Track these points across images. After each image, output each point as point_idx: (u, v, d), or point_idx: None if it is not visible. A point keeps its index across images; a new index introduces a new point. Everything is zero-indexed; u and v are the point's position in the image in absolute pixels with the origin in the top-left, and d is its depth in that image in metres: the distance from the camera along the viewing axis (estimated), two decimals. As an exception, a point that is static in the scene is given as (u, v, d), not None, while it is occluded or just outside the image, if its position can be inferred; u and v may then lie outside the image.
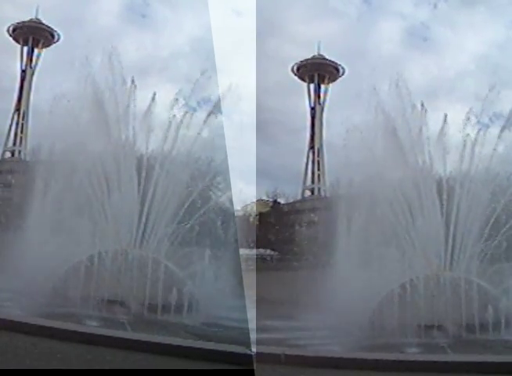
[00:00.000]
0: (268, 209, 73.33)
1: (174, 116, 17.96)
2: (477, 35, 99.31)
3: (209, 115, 18.13)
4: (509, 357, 10.86)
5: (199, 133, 17.85)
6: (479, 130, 17.22)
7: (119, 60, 17.95)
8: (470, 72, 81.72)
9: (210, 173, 18.46)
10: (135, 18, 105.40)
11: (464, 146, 16.88)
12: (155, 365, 7.97)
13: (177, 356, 8.52)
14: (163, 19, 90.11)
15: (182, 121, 17.92)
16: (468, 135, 16.98)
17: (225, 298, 16.01)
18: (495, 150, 16.87)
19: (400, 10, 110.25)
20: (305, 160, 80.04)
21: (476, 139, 16.98)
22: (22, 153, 71.66)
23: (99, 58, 18.10)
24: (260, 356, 8.55)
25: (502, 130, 17.03)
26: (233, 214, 20.14)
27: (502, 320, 13.94)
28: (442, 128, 17.42)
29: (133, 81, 18.12)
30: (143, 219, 16.66)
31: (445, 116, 17.69)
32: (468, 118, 17.00)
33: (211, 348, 9.14)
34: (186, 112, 18.14)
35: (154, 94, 18.49)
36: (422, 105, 17.70)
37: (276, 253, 59.77)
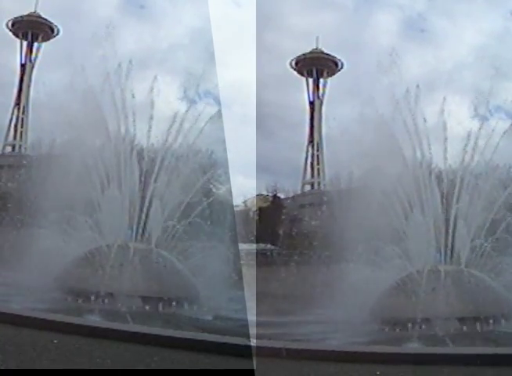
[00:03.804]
0: (267, 204, 73.26)
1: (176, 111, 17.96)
2: (475, 26, 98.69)
3: (216, 113, 18.11)
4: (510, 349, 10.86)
5: (202, 128, 17.84)
6: (481, 122, 17.18)
7: (116, 48, 17.98)
8: (468, 63, 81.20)
9: (211, 166, 18.46)
10: (133, 9, 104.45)
11: (468, 137, 16.83)
12: (156, 357, 7.97)
13: (178, 347, 8.53)
14: (161, 10, 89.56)
15: (183, 114, 17.91)
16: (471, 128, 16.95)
17: (225, 291, 16.03)
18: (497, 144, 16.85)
19: (397, 1, 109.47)
20: (305, 154, 79.93)
21: (478, 131, 16.94)
22: (22, 148, 71.55)
23: (97, 49, 18.07)
24: (261, 349, 8.55)
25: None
26: (232, 207, 20.13)
27: (503, 313, 13.96)
28: (441, 109, 17.27)
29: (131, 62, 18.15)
30: (144, 212, 16.69)
31: (444, 99, 17.57)
32: (473, 104, 16.93)
33: (213, 340, 9.16)
34: (189, 106, 18.15)
35: (155, 76, 18.49)
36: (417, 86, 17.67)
37: (276, 248, 59.72)
